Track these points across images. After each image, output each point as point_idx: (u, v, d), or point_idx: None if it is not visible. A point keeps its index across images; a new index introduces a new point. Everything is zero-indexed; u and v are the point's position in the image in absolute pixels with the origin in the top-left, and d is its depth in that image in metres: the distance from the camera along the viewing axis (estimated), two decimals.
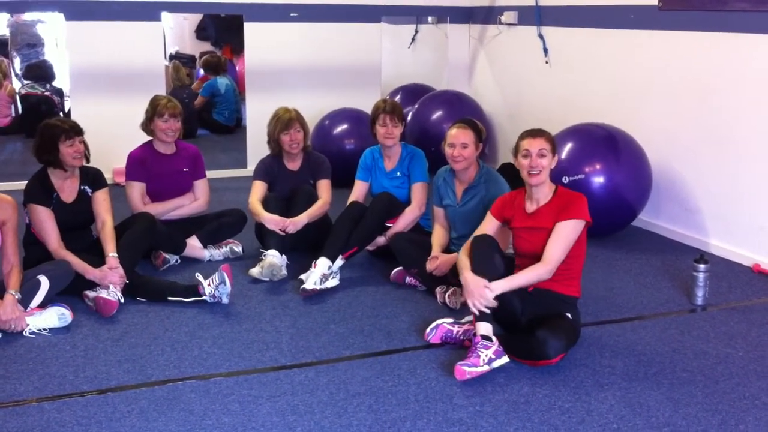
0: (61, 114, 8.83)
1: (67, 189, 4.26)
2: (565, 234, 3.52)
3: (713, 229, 5.16)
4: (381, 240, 4.68)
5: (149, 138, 4.90)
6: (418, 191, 4.71)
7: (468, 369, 3.27)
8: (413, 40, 9.13)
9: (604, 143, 5.23)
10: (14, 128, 9.17)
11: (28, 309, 3.82)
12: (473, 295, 3.43)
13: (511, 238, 3.83)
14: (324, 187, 4.91)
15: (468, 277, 3.51)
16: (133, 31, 6.75)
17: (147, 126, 4.84)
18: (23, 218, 4.20)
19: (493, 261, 3.56)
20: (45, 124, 4.24)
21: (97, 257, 4.19)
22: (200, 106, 9.62)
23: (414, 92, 7.95)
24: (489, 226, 3.78)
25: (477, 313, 3.43)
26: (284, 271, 4.47)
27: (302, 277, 4.34)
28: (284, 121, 4.84)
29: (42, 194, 4.17)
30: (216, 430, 2.93)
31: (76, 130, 4.18)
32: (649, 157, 5.32)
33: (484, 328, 3.41)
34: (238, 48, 10.34)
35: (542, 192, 3.64)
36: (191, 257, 4.80)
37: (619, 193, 5.12)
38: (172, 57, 10.71)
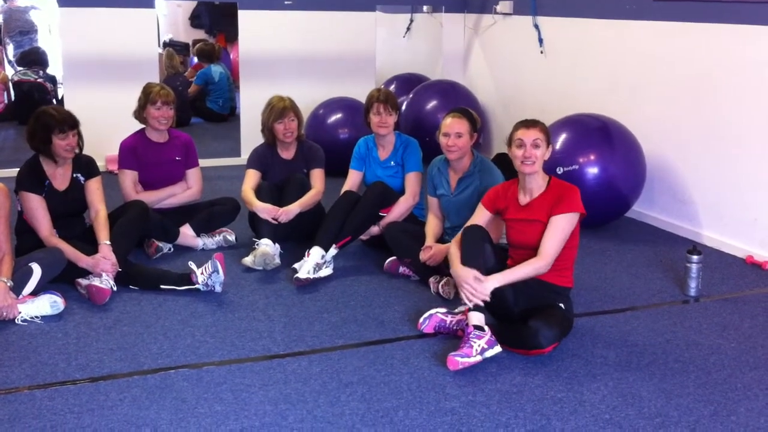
0: (54, 101, 8.80)
1: (60, 177, 4.24)
2: (561, 228, 3.52)
3: (706, 220, 5.16)
4: (375, 229, 4.67)
5: (142, 126, 4.88)
6: (412, 181, 4.70)
7: (460, 359, 3.28)
8: (408, 29, 9.10)
9: (598, 134, 5.23)
10: (7, 115, 9.12)
11: (20, 296, 3.81)
12: (465, 288, 3.44)
13: (504, 229, 3.83)
14: (317, 176, 4.90)
15: (458, 270, 3.52)
16: (126, 18, 6.72)
17: (140, 114, 4.82)
18: (15, 205, 4.18)
19: (483, 252, 3.55)
20: (42, 111, 4.20)
21: (89, 245, 4.18)
22: (194, 95, 9.59)
23: (409, 82, 7.94)
24: (480, 217, 3.77)
25: (471, 306, 3.43)
26: (277, 260, 4.46)
27: (295, 266, 4.34)
28: (278, 110, 4.82)
29: (34, 182, 4.15)
30: (208, 419, 2.93)
31: (70, 124, 4.14)
32: (644, 148, 5.32)
33: (477, 318, 3.42)
34: (232, 36, 10.30)
35: (536, 183, 3.64)
36: (184, 246, 4.79)
37: (612, 184, 5.12)
38: (165, 44, 10.66)
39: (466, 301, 3.45)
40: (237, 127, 7.43)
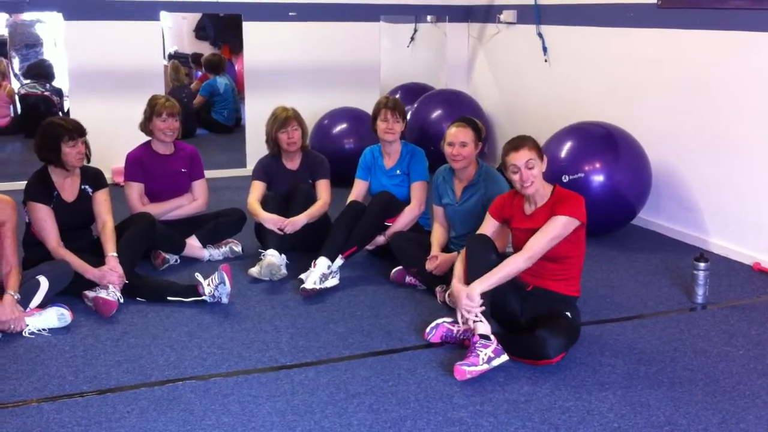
0: (60, 114, 8.83)
1: (68, 188, 4.26)
2: (552, 228, 3.49)
3: (713, 227, 5.15)
4: (380, 239, 4.67)
5: (148, 138, 4.90)
6: (417, 190, 4.70)
7: (467, 368, 3.27)
8: (412, 39, 9.12)
9: (603, 142, 5.23)
10: (14, 128, 9.16)
11: (28, 309, 3.81)
12: (458, 306, 3.46)
13: (511, 237, 3.83)
14: (323, 187, 4.91)
15: (454, 287, 3.54)
16: (131, 30, 6.74)
17: (145, 126, 4.84)
18: (23, 218, 4.19)
19: (487, 263, 3.54)
20: (48, 122, 4.23)
21: (96, 257, 4.18)
22: (199, 106, 9.62)
23: (413, 91, 7.95)
24: (488, 226, 3.78)
25: (463, 323, 3.45)
26: (284, 271, 4.47)
27: (302, 276, 4.34)
28: (281, 119, 4.84)
29: (42, 192, 4.16)
30: (216, 431, 2.93)
31: (78, 131, 4.17)
32: (649, 155, 5.31)
33: (483, 327, 3.41)
34: (236, 47, 10.34)
35: (539, 194, 3.63)
36: (191, 257, 4.79)
37: (618, 192, 5.11)
38: (171, 57, 10.70)
39: (459, 320, 3.47)
40: (242, 138, 7.44)
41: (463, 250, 3.70)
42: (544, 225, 3.51)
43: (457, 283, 3.54)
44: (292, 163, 4.97)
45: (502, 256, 3.76)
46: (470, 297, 3.42)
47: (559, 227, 3.50)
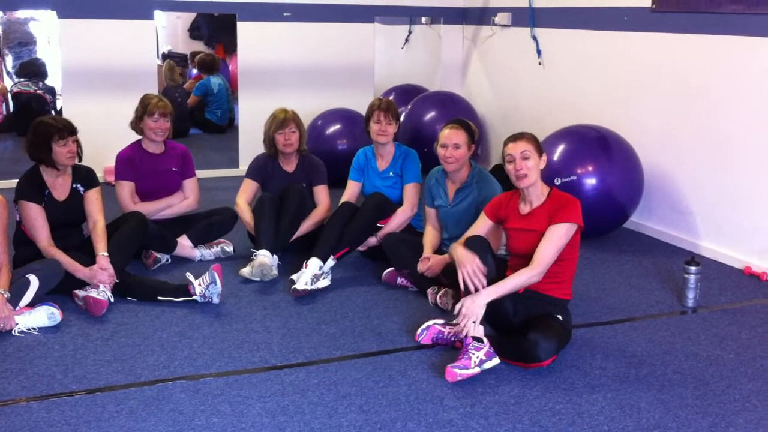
0: (53, 112, 8.80)
1: (60, 187, 4.25)
2: (557, 237, 3.51)
3: (704, 231, 5.16)
4: (373, 240, 4.67)
5: (140, 137, 4.89)
6: (410, 192, 4.70)
7: (459, 371, 3.27)
8: (407, 40, 9.11)
9: (596, 145, 5.24)
10: (6, 126, 9.12)
11: (18, 308, 3.80)
12: (465, 266, 3.43)
13: (505, 238, 3.83)
14: (322, 192, 4.92)
15: (459, 251, 3.52)
16: (125, 29, 6.73)
17: (137, 125, 4.83)
18: (14, 216, 4.18)
19: (484, 260, 3.55)
20: (39, 121, 4.22)
21: (87, 256, 4.17)
22: (193, 105, 9.61)
23: (407, 93, 7.94)
24: (481, 225, 3.78)
25: (470, 286, 3.42)
26: (275, 271, 4.46)
27: (293, 277, 4.33)
28: (279, 120, 4.85)
29: (34, 191, 4.15)
30: (205, 431, 2.92)
31: (69, 130, 4.16)
32: (641, 158, 5.32)
33: (476, 329, 3.41)
34: (231, 47, 10.32)
35: (535, 194, 3.64)
36: (182, 257, 4.78)
37: (610, 195, 5.12)
38: (165, 56, 10.68)
39: (463, 279, 3.43)
40: (235, 138, 7.43)
41: (460, 240, 3.68)
42: (546, 235, 3.52)
43: (461, 247, 3.53)
44: (289, 166, 4.96)
45: (498, 259, 3.76)
46: (475, 302, 3.40)
47: (563, 236, 3.52)
